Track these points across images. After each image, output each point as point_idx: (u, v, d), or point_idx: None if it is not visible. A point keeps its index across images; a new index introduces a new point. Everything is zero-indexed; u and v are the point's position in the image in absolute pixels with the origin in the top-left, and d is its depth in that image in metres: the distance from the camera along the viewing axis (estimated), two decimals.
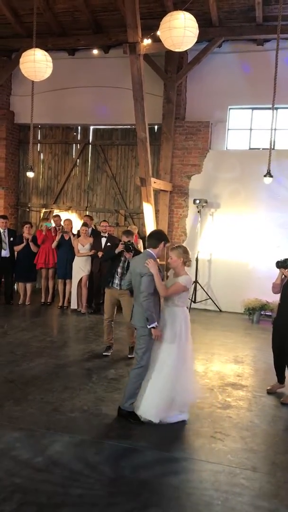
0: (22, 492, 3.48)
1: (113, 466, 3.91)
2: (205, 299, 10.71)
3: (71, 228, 10.20)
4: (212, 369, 6.67)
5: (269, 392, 5.79)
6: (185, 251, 4.91)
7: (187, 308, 5.11)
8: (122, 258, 6.83)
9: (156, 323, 4.69)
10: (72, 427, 4.57)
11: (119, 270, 6.84)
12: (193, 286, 10.67)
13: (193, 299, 10.55)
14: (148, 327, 4.69)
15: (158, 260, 4.94)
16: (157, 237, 5.02)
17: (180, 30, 6.15)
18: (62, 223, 10.43)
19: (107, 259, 7.37)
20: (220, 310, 10.72)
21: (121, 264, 6.85)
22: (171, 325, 4.82)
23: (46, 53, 7.41)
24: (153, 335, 4.71)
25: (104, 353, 6.94)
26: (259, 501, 3.53)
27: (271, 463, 4.12)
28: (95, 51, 11.11)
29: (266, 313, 10.07)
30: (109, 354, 6.97)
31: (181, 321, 4.84)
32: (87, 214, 11.86)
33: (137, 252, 6.85)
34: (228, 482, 3.78)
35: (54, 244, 10.00)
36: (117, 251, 6.82)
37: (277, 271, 6.08)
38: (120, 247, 6.74)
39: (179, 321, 4.82)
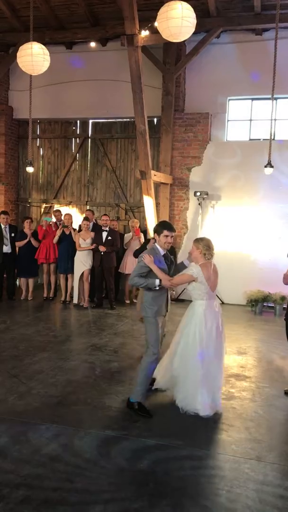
0: (27, 485, 3.49)
1: (118, 458, 3.92)
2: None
3: (71, 222, 10.19)
4: None
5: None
6: (206, 243, 4.91)
7: (216, 302, 5.13)
8: None
9: (157, 280, 4.76)
10: (75, 420, 4.58)
11: None
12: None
13: None
14: (157, 287, 4.78)
15: (164, 250, 4.99)
16: (155, 229, 5.11)
17: (177, 20, 6.10)
18: (62, 217, 10.41)
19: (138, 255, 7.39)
20: (223, 302, 10.70)
21: None
22: (189, 318, 4.95)
23: (43, 46, 7.35)
24: (166, 285, 4.84)
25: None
26: (263, 490, 3.53)
27: (276, 453, 4.12)
28: (93, 44, 11.05)
29: (269, 305, 10.06)
30: None
31: (198, 314, 4.88)
32: (88, 208, 11.83)
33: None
34: (233, 472, 3.78)
35: (55, 239, 9.99)
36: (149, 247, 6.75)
37: (287, 262, 5.96)
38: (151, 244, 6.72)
39: (195, 314, 4.90)
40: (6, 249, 9.98)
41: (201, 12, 9.62)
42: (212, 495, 3.48)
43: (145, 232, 10.64)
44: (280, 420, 4.81)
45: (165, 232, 4.90)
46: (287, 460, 4.00)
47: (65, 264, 9.92)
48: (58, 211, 10.97)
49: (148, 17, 8.88)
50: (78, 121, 12.35)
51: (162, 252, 4.98)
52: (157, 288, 4.78)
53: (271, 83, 8.49)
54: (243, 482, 3.64)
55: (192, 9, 6.20)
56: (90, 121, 12.22)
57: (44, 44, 7.62)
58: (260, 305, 9.96)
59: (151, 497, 3.40)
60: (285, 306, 9.93)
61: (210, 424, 4.62)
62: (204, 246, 4.89)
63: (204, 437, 4.38)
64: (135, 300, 9.55)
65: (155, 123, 11.46)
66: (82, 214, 11.79)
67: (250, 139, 11.02)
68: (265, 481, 3.66)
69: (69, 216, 10.29)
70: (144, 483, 3.57)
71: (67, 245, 9.86)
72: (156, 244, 5.04)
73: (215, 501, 3.41)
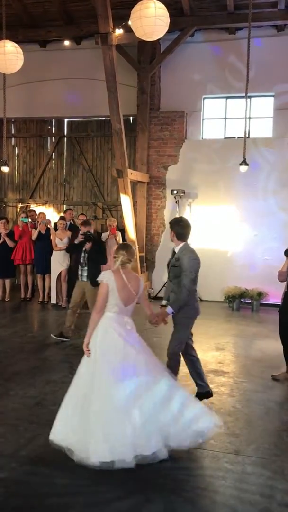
0: (7, 485, 3.47)
1: None
2: None
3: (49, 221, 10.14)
4: None
5: (274, 379, 5.81)
6: (126, 251, 4.15)
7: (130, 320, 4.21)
8: (83, 249, 6.98)
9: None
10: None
11: (81, 260, 7.01)
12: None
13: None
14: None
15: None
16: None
17: (151, 19, 6.12)
18: (37, 217, 10.38)
19: (70, 251, 7.54)
20: (201, 299, 10.77)
21: (82, 255, 7.00)
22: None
23: (16, 44, 7.29)
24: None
25: (61, 339, 7.13)
26: (242, 483, 3.58)
27: (254, 446, 4.18)
28: (67, 43, 10.99)
29: (246, 301, 10.19)
30: (66, 340, 7.12)
31: (101, 327, 3.99)
32: (66, 208, 11.73)
33: (97, 242, 7.08)
34: (211, 466, 3.83)
35: (34, 236, 9.90)
36: (77, 241, 6.97)
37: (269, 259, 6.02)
38: (80, 238, 6.90)
39: (97, 329, 4.00)
40: None
41: (175, 11, 9.66)
42: (192, 489, 3.51)
43: (122, 230, 10.63)
44: (258, 414, 4.88)
45: None
46: (265, 453, 4.06)
47: (42, 265, 9.85)
48: (33, 211, 10.89)
49: (122, 16, 8.86)
50: (54, 120, 12.27)
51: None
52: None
53: (245, 82, 8.60)
54: (222, 476, 3.68)
55: (165, 8, 6.24)
56: (66, 120, 12.16)
57: (17, 42, 7.56)
58: (237, 301, 10.08)
59: (129, 494, 3.41)
60: (262, 302, 10.11)
61: None
62: (123, 253, 4.12)
63: None
64: None
65: (131, 121, 11.47)
66: (59, 213, 11.71)
67: (225, 137, 11.12)
68: (243, 475, 3.71)
69: (43, 214, 10.27)
70: (125, 481, 3.57)
71: (44, 246, 9.79)
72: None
73: (193, 494, 3.44)
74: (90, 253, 7.00)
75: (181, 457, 3.95)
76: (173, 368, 4.56)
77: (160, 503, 3.33)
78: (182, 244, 4.86)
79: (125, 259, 4.12)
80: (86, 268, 6.96)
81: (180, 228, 4.86)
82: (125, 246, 4.31)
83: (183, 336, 4.80)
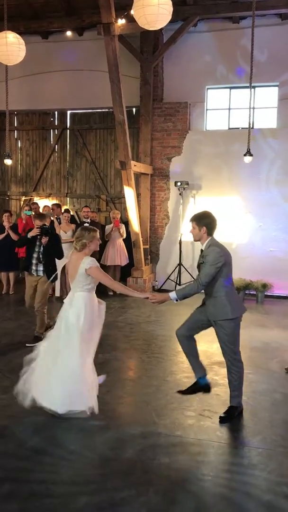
0: (11, 480, 3.47)
1: (103, 448, 3.92)
2: (190, 281, 10.72)
3: (60, 212, 10.10)
4: (199, 348, 6.67)
5: None
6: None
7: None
8: (38, 243, 6.62)
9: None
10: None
11: (34, 255, 6.66)
12: (177, 268, 10.70)
13: (177, 282, 10.58)
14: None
15: None
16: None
17: (153, 8, 6.04)
18: (41, 210, 10.35)
19: (21, 244, 7.28)
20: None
21: (37, 249, 6.65)
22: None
23: (18, 35, 7.23)
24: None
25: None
26: (249, 474, 3.58)
27: (260, 437, 4.17)
28: (69, 33, 10.90)
29: (251, 292, 10.15)
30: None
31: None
32: (54, 203, 11.50)
33: (53, 235, 6.72)
34: (218, 458, 3.82)
35: (30, 234, 9.85)
36: (30, 235, 6.58)
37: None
38: (36, 231, 6.51)
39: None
40: None
41: (178, 0, 9.55)
42: (198, 480, 3.51)
43: (126, 223, 10.60)
44: (264, 405, 4.87)
45: None
46: (271, 444, 4.05)
47: None
48: (36, 203, 10.87)
49: (124, 6, 8.79)
50: (56, 112, 12.21)
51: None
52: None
53: (248, 72, 8.51)
54: (228, 467, 3.68)
55: None
56: (68, 112, 12.09)
57: (19, 34, 7.49)
58: (242, 293, 10.03)
59: (137, 486, 3.41)
60: (266, 293, 10.07)
61: (194, 412, 4.65)
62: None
63: (188, 425, 4.41)
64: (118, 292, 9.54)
65: (134, 113, 11.39)
66: (63, 206, 11.68)
67: (229, 128, 11.04)
68: (250, 466, 3.71)
69: (47, 208, 10.26)
70: (130, 472, 3.58)
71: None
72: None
73: (201, 486, 3.44)
74: (47, 248, 6.64)
75: (185, 448, 3.95)
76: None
77: (164, 494, 3.32)
78: (209, 239, 4.49)
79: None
80: (42, 262, 6.62)
81: (212, 221, 4.48)
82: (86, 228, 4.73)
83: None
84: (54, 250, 6.75)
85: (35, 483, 3.43)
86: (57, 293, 9.76)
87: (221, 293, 4.38)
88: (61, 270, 9.63)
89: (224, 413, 4.50)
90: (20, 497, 3.27)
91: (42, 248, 6.61)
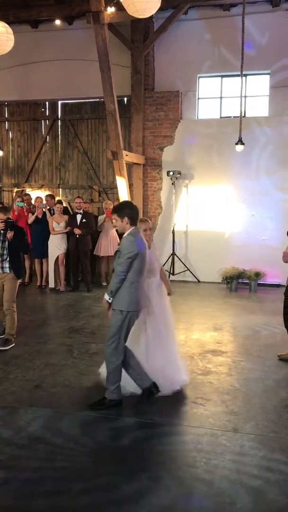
0: (6, 468, 3.50)
1: (98, 437, 3.95)
2: (183, 271, 10.77)
3: (54, 203, 10.08)
4: (192, 337, 6.75)
5: (281, 359, 5.79)
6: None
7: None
8: (1, 238, 6.13)
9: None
10: (54, 402, 4.59)
11: (1, 251, 6.14)
12: (170, 258, 10.72)
13: (171, 271, 10.60)
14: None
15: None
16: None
17: None
18: (33, 201, 10.32)
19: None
20: (199, 281, 10.81)
21: (1, 245, 6.14)
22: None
23: (6, 24, 7.10)
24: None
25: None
26: (240, 460, 3.62)
27: (252, 424, 4.22)
28: (58, 22, 10.78)
29: (244, 281, 10.20)
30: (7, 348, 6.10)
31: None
32: (48, 194, 11.43)
33: (18, 229, 6.28)
34: (210, 444, 3.86)
35: (30, 220, 9.86)
36: None
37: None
38: (0, 226, 6.02)
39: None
40: None
41: None
42: (190, 467, 3.55)
43: None
44: (256, 392, 4.91)
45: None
46: (263, 430, 4.10)
47: (40, 249, 9.84)
48: (28, 195, 10.84)
49: None
50: (47, 103, 12.12)
51: None
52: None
53: (239, 60, 8.47)
54: (220, 453, 3.72)
55: None
56: (59, 102, 12.01)
57: (8, 23, 7.38)
58: (235, 282, 10.08)
59: (130, 472, 3.45)
60: (259, 282, 10.12)
61: (187, 400, 4.70)
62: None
63: (181, 412, 4.45)
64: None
65: (125, 102, 11.34)
66: (56, 197, 11.64)
67: (221, 117, 11.01)
68: (242, 452, 3.75)
69: (40, 199, 10.22)
70: (123, 459, 3.62)
71: (41, 230, 9.76)
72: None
73: (192, 472, 3.48)
74: (12, 242, 6.13)
75: (178, 436, 3.99)
76: None
77: (157, 480, 3.36)
78: (132, 228, 4.40)
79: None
80: (7, 259, 6.10)
81: (132, 211, 4.42)
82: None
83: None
84: (19, 244, 6.26)
85: (30, 470, 3.45)
86: (51, 284, 9.76)
87: (126, 284, 4.32)
88: (54, 262, 9.65)
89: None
90: (14, 485, 3.29)
91: (7, 243, 6.12)
